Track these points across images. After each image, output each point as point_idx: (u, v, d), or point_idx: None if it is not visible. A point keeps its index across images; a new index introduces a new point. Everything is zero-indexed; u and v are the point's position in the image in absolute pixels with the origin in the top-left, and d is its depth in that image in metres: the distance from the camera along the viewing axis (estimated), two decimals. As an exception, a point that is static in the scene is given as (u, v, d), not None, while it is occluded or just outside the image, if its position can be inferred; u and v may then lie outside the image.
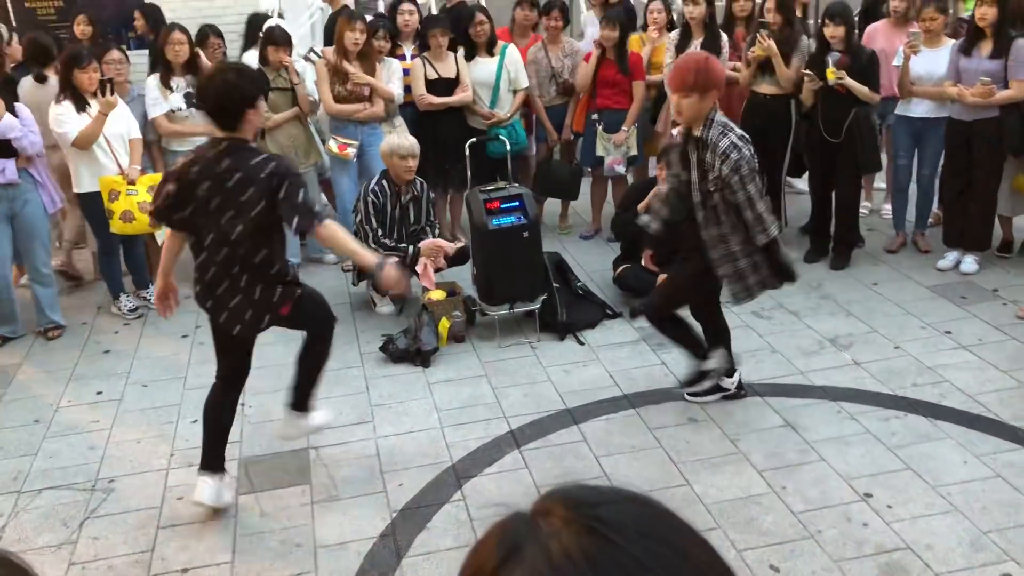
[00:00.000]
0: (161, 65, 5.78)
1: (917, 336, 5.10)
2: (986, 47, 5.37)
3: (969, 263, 5.78)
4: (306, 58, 6.57)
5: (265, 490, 4.11)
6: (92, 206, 5.52)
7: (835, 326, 5.26)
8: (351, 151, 6.01)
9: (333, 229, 3.54)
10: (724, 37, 6.07)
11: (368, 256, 3.63)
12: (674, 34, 6.21)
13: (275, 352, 5.32)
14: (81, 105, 5.33)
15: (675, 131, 6.06)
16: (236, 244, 3.49)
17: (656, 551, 0.76)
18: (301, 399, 4.03)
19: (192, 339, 5.54)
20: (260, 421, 4.65)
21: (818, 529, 3.64)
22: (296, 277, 3.84)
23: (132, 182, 5.48)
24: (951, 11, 6.19)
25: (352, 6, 6.86)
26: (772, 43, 5.69)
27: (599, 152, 6.29)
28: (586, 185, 6.76)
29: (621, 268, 5.76)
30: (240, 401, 4.80)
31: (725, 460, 4.11)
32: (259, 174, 3.39)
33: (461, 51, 6.37)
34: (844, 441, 4.20)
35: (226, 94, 3.38)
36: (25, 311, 5.69)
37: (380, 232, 5.43)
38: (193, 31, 6.10)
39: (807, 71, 5.65)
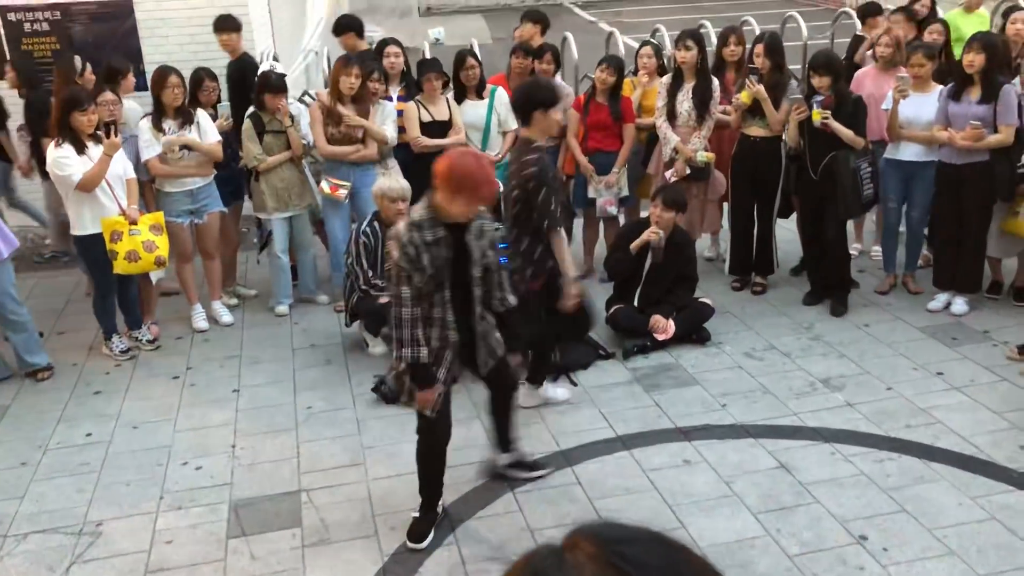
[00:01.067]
0: (154, 107, 5.81)
1: (909, 377, 5.11)
2: (975, 92, 5.45)
3: (960, 304, 5.81)
4: (300, 100, 6.62)
5: (255, 533, 4.06)
6: (93, 248, 5.51)
7: (827, 367, 5.27)
8: (343, 192, 6.04)
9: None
10: (715, 81, 6.15)
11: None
12: (666, 78, 6.29)
13: (265, 394, 5.31)
14: (80, 148, 5.35)
15: (668, 173, 6.15)
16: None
17: None
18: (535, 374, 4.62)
19: (183, 380, 5.52)
20: (250, 463, 4.62)
21: (813, 573, 3.62)
22: None
23: (134, 222, 5.49)
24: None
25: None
26: (761, 88, 5.77)
27: (591, 194, 6.33)
28: (578, 226, 6.79)
29: (614, 308, 5.76)
30: (231, 443, 4.80)
31: (719, 502, 4.09)
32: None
33: (450, 93, 6.43)
34: (838, 483, 4.18)
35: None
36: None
37: (371, 273, 5.44)
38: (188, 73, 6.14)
39: (795, 97, 5.71)
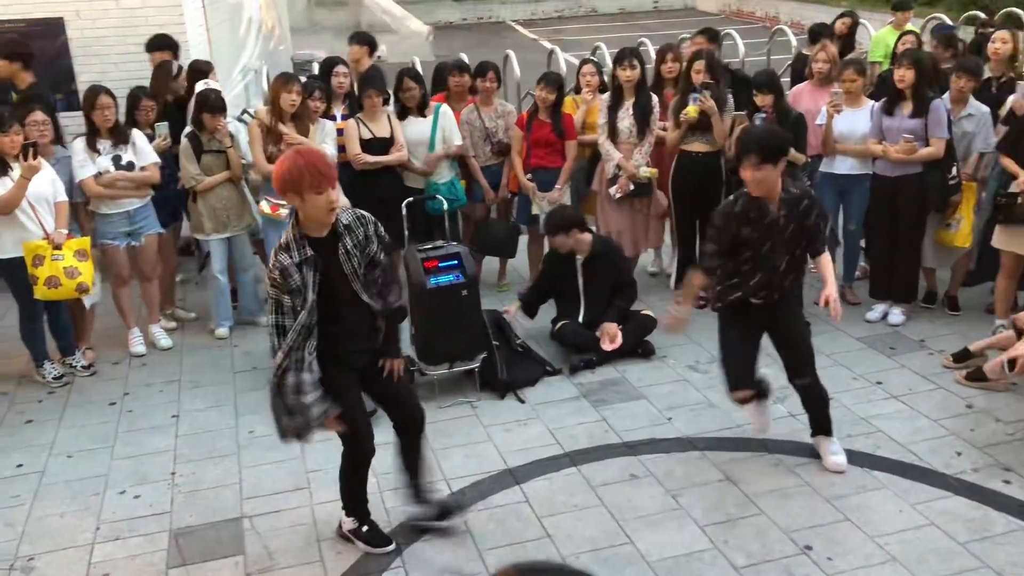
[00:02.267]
0: (87, 127, 5.67)
1: (849, 387, 5.19)
2: (907, 107, 5.59)
3: (896, 315, 5.94)
4: (239, 119, 6.53)
5: (196, 562, 3.96)
6: (15, 272, 5.35)
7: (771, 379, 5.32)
8: (284, 212, 5.95)
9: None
10: (655, 98, 6.22)
11: None
12: (606, 96, 6.34)
13: (206, 419, 5.19)
14: (3, 169, 5.19)
15: (611, 190, 6.19)
16: None
17: None
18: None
19: (120, 407, 5.37)
20: (191, 490, 4.50)
21: (761, 584, 3.64)
22: None
23: (58, 247, 5.34)
24: (868, 72, 6.44)
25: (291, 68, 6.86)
26: (712, 103, 5.85)
27: (534, 211, 6.34)
28: (523, 243, 6.80)
29: (560, 324, 5.78)
30: (170, 470, 4.67)
31: (667, 516, 4.10)
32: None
33: (393, 110, 6.41)
34: (783, 494, 4.23)
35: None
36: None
37: (315, 294, 5.36)
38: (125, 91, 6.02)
39: (738, 113, 5.81)
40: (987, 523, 3.95)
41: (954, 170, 5.63)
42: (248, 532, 4.15)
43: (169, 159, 6.11)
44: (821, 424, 4.48)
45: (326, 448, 4.78)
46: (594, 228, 6.46)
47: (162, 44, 6.60)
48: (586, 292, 5.73)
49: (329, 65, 6.67)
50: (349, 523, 4.02)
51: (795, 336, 4.39)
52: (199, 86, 6.20)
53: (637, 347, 5.69)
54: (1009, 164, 5.34)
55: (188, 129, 5.97)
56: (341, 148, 6.20)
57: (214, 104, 5.89)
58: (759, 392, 4.48)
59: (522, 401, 5.21)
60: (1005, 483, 4.22)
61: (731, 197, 4.23)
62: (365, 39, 7.18)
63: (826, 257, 4.30)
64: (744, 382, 4.34)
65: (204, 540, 4.10)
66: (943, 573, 3.65)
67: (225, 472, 4.64)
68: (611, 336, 5.56)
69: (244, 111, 6.72)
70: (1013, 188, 5.25)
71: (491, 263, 7.02)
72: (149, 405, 5.38)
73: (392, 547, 3.96)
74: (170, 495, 4.47)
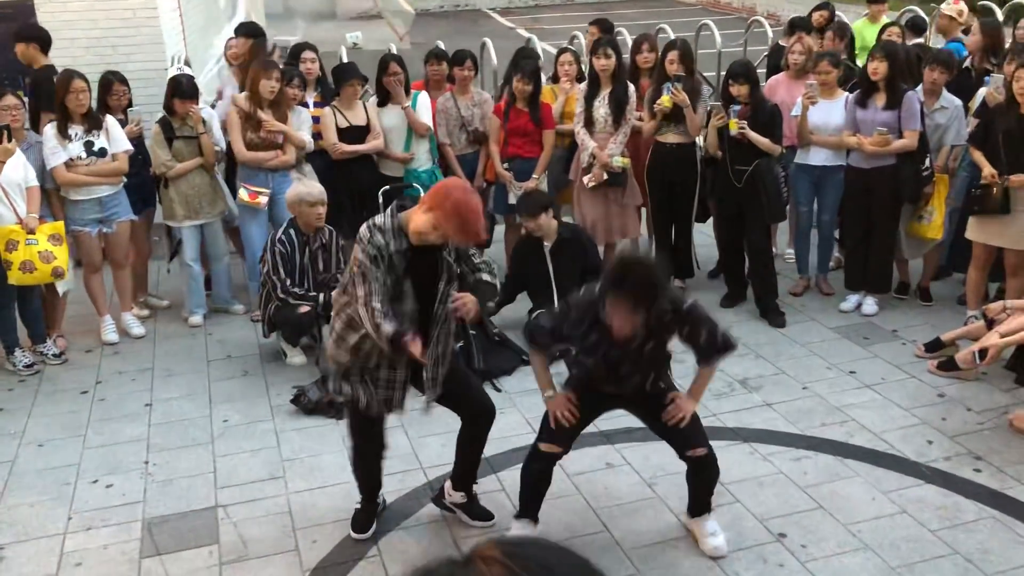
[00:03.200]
0: (59, 113, 5.57)
1: (823, 376, 5.24)
2: (880, 99, 5.63)
3: (870, 305, 6.00)
4: (212, 106, 6.46)
5: (170, 552, 3.93)
6: None
7: (745, 368, 5.36)
8: (262, 199, 5.91)
9: None
10: (631, 87, 6.22)
11: None
12: (582, 85, 6.33)
13: (179, 408, 5.15)
14: (-26, 153, 5.11)
15: (585, 179, 6.19)
16: None
17: None
18: None
19: (92, 395, 5.31)
20: (164, 479, 4.46)
21: (735, 571, 3.67)
22: None
23: (32, 231, 5.26)
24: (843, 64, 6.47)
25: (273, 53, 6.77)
26: (685, 95, 5.85)
27: (511, 200, 6.33)
28: (500, 232, 6.78)
29: (535, 315, 5.77)
30: (143, 459, 4.63)
31: (643, 504, 4.12)
32: None
33: (372, 99, 6.37)
34: (758, 482, 4.26)
35: None
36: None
37: (289, 282, 5.33)
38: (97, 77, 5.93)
39: (715, 104, 5.83)
40: (957, 511, 4.00)
41: (927, 162, 5.68)
42: (222, 521, 4.12)
43: (141, 145, 6.04)
44: (703, 502, 3.87)
45: (301, 437, 4.78)
46: (571, 219, 6.46)
47: (249, 31, 6.73)
48: (557, 280, 5.71)
49: (296, 51, 6.62)
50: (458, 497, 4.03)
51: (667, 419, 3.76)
52: (171, 70, 6.12)
53: None
54: (978, 157, 5.40)
55: (159, 115, 5.90)
56: (316, 135, 6.15)
57: (186, 90, 5.82)
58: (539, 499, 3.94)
59: (499, 390, 5.21)
60: (975, 471, 4.28)
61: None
62: (250, 30, 6.87)
63: (707, 370, 3.77)
64: (558, 438, 3.81)
65: (178, 529, 4.07)
66: (914, 560, 3.70)
67: (199, 461, 4.61)
68: None
69: (219, 96, 6.64)
70: (984, 180, 5.30)
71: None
72: (122, 394, 5.33)
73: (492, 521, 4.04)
74: (143, 484, 4.43)
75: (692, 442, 3.74)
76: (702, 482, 3.83)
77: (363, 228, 3.51)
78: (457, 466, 4.01)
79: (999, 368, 5.04)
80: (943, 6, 7.54)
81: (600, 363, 3.62)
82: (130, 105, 6.08)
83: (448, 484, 4.06)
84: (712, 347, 3.64)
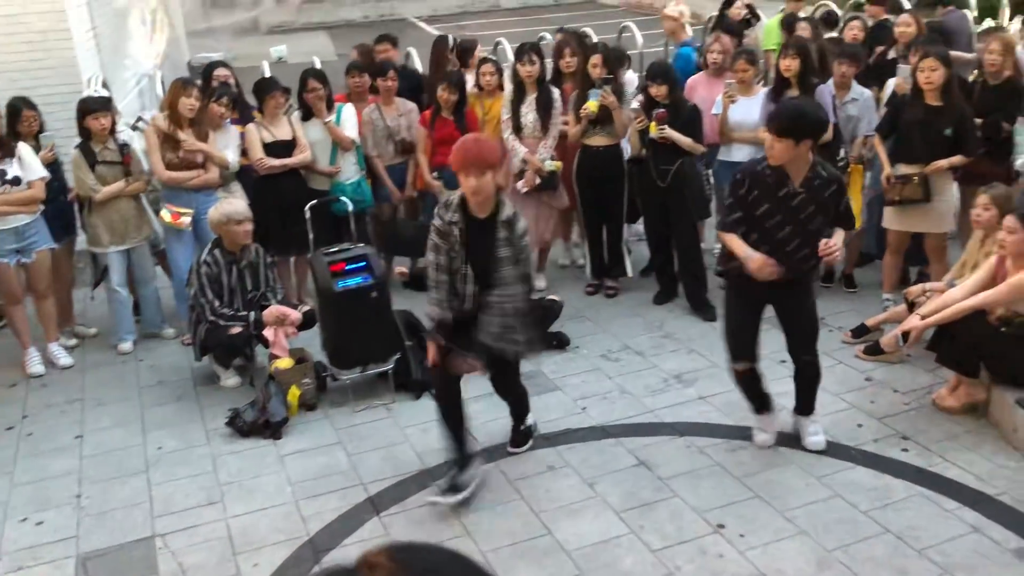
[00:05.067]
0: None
1: (756, 367, 5.33)
2: (793, 94, 5.77)
3: (797, 294, 6.13)
4: (134, 127, 6.34)
5: (106, 587, 3.84)
6: None
7: (679, 363, 5.45)
8: (186, 220, 5.81)
9: None
10: (556, 91, 6.28)
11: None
12: (508, 91, 6.36)
13: (112, 437, 5.04)
14: None
15: (518, 184, 6.22)
16: None
17: None
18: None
19: (19, 431, 5.16)
20: (98, 512, 4.36)
21: (676, 565, 3.72)
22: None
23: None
24: (761, 62, 6.63)
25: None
26: (614, 98, 5.92)
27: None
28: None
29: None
30: (75, 492, 4.52)
31: (584, 505, 4.16)
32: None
33: (296, 113, 6.31)
34: (695, 475, 4.33)
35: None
36: None
37: (217, 303, 5.25)
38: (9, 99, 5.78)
39: (634, 108, 5.92)
40: (888, 491, 4.12)
41: (841, 152, 5.84)
42: (160, 551, 4.04)
43: (58, 170, 5.89)
44: (808, 404, 4.51)
45: (238, 460, 4.72)
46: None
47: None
48: None
49: (209, 69, 6.55)
50: None
51: (802, 317, 4.33)
52: (86, 94, 5.99)
53: (551, 338, 5.73)
54: (879, 149, 5.58)
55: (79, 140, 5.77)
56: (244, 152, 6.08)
57: (95, 105, 5.69)
58: (762, 396, 4.52)
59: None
60: (903, 451, 4.41)
61: (759, 158, 4.23)
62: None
63: (840, 232, 4.14)
64: (742, 353, 4.37)
65: (114, 562, 3.98)
66: (848, 541, 3.80)
67: (134, 491, 4.51)
68: None
69: (139, 118, 6.52)
70: (899, 171, 5.46)
71: (402, 263, 6.98)
72: (50, 427, 5.18)
73: None
74: (76, 518, 4.32)
75: (806, 346, 4.36)
76: (804, 384, 4.47)
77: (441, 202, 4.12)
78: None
79: (921, 349, 5.19)
80: (666, 8, 7.73)
81: (763, 233, 4.08)
82: (42, 130, 5.92)
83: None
84: (847, 215, 4.16)
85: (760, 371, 4.48)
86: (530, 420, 4.66)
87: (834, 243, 4.03)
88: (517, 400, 4.59)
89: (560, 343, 5.74)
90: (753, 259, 4.06)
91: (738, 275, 4.21)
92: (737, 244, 4.14)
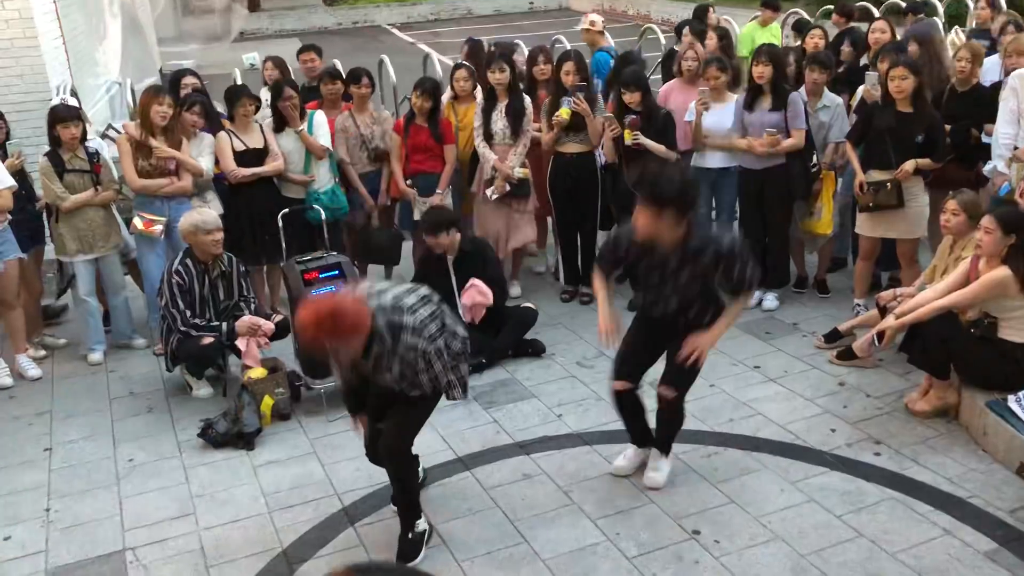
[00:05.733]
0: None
1: (729, 372, 5.36)
2: (766, 101, 5.82)
3: (770, 300, 6.17)
4: (104, 135, 6.27)
5: (76, 602, 3.78)
6: None
7: (654, 370, 5.40)
8: (158, 228, 5.74)
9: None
10: (527, 99, 6.28)
11: None
12: (480, 99, 6.36)
13: (81, 450, 4.96)
14: None
15: (488, 191, 6.22)
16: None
17: None
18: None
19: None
20: (68, 525, 4.29)
21: (653, 572, 3.72)
22: None
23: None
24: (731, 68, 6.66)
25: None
26: (587, 105, 5.94)
27: (416, 216, 6.31)
28: (408, 249, 6.75)
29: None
30: (44, 506, 4.45)
31: (559, 513, 4.15)
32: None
33: (267, 121, 6.27)
34: (671, 481, 4.33)
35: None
36: None
37: (189, 313, 5.20)
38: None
39: (608, 115, 5.94)
40: (861, 495, 4.14)
41: (814, 158, 5.90)
42: (131, 565, 3.99)
43: (25, 179, 5.82)
44: (662, 441, 4.33)
45: (210, 471, 4.67)
46: (473, 230, 6.48)
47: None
48: (461, 292, 5.71)
49: (176, 77, 6.51)
50: None
51: (680, 353, 4.05)
52: (54, 100, 5.92)
53: (526, 346, 5.73)
54: (852, 156, 5.63)
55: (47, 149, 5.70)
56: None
57: (63, 113, 5.63)
58: (642, 428, 4.37)
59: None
60: (876, 455, 4.44)
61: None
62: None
63: (738, 302, 4.02)
64: (622, 373, 4.24)
65: (84, 577, 3.92)
66: (822, 546, 3.81)
67: (104, 504, 4.45)
68: (470, 310, 5.54)
69: (109, 126, 6.46)
70: (872, 178, 5.51)
71: (377, 271, 6.95)
72: (18, 440, 5.10)
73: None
74: (45, 533, 4.25)
75: (671, 380, 4.13)
76: (662, 422, 4.29)
77: None
78: None
79: (893, 354, 5.24)
80: (581, 22, 7.90)
81: (647, 284, 4.04)
82: (8, 138, 5.85)
83: None
84: (742, 282, 3.91)
85: (642, 399, 4.33)
86: (421, 525, 3.98)
87: (696, 348, 3.94)
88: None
89: (535, 351, 5.74)
90: (600, 318, 4.15)
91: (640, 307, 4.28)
92: (601, 294, 4.20)
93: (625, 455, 4.45)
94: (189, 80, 6.43)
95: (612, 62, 7.13)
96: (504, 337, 5.67)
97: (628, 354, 4.29)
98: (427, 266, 5.80)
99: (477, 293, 5.57)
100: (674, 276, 3.93)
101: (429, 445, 4.76)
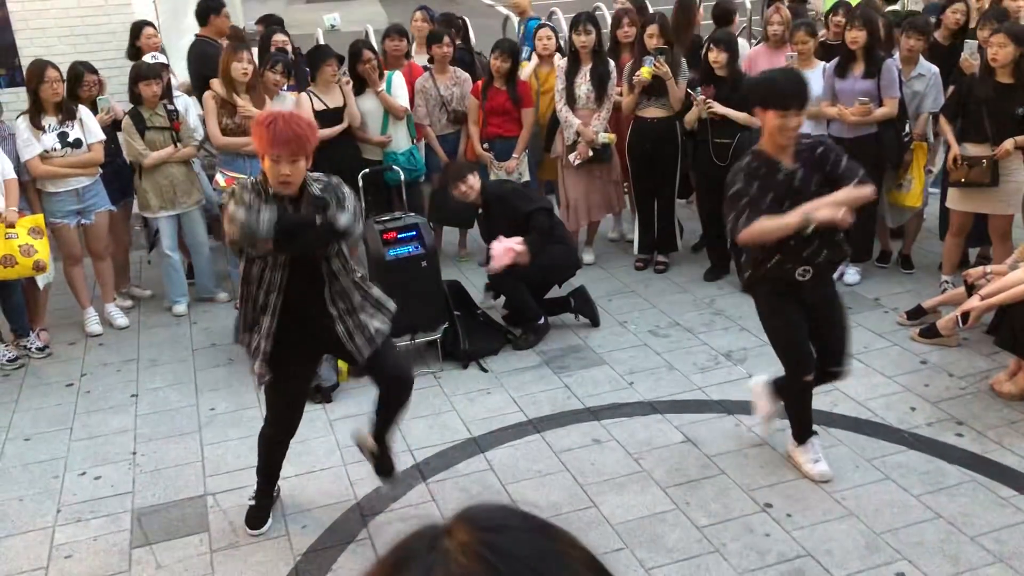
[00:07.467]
0: (31, 104, 5.51)
1: (807, 347, 5.26)
2: (858, 68, 5.63)
3: (852, 274, 6.02)
4: (190, 93, 6.40)
5: (160, 541, 3.94)
6: None
7: (729, 341, 5.39)
8: (239, 186, 5.86)
9: None
10: (611, 63, 6.20)
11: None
12: (562, 62, 6.30)
13: (166, 397, 5.14)
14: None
15: (571, 156, 6.17)
16: None
17: None
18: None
19: (78, 388, 5.29)
20: (152, 469, 4.46)
21: (722, 542, 3.70)
22: None
23: (11, 224, 5.22)
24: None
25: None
26: (668, 68, 5.84)
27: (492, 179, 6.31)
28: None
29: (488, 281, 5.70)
30: (131, 450, 4.63)
31: (629, 479, 4.15)
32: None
33: (347, 81, 6.30)
34: (743, 453, 4.29)
35: None
36: None
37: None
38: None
39: (690, 91, 5.83)
40: (940, 475, 4.05)
41: (907, 127, 5.70)
42: (212, 509, 4.13)
43: (115, 133, 5.99)
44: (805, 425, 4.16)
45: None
46: (555, 196, 6.45)
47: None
48: (490, 240, 5.55)
49: (268, 35, 6.58)
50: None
51: (838, 318, 4.00)
52: (146, 59, 6.05)
53: (583, 309, 5.65)
54: (947, 132, 5.42)
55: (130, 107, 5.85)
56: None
57: (146, 72, 5.75)
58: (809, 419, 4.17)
59: (485, 370, 5.22)
60: (957, 436, 4.33)
61: (744, 157, 3.80)
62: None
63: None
64: (810, 363, 3.97)
65: (167, 519, 4.08)
66: (898, 525, 3.74)
67: (187, 450, 4.61)
68: (496, 256, 5.37)
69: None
70: (967, 152, 5.30)
71: (451, 233, 6.99)
72: (107, 385, 5.31)
73: None
74: (132, 475, 4.43)
75: (841, 359, 4.07)
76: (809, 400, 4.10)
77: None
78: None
79: (979, 333, 5.07)
80: None
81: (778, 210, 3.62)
82: (100, 94, 6.01)
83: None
84: (853, 170, 3.72)
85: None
86: (370, 444, 3.92)
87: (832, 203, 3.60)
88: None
89: (591, 319, 5.64)
90: (804, 212, 3.57)
91: (770, 283, 3.87)
92: (772, 222, 3.61)
93: (818, 454, 4.10)
94: (280, 37, 6.49)
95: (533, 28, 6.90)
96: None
97: (801, 339, 3.93)
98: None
99: (505, 251, 5.36)
100: (805, 190, 3.62)
101: (500, 407, 4.81)
